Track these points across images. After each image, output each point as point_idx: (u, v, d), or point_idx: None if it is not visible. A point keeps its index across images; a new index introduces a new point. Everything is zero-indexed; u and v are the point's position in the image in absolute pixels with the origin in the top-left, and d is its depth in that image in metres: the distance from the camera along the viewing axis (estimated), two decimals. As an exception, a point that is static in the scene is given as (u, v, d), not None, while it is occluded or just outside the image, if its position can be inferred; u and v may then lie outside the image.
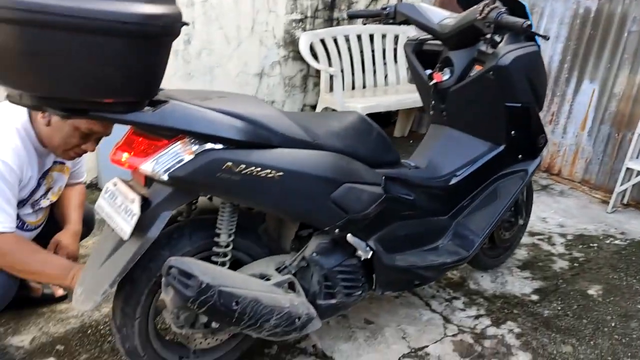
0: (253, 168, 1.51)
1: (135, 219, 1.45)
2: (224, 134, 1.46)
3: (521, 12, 2.07)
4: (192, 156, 1.44)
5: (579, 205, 3.56)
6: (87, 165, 2.24)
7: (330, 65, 4.06)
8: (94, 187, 3.29)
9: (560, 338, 2.21)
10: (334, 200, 1.71)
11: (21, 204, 1.79)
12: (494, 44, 2.00)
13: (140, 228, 1.47)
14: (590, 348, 2.16)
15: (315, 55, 4.02)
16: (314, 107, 4.35)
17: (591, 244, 3.04)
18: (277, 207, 1.66)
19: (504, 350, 2.12)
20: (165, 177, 1.43)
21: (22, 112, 1.73)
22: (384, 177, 1.89)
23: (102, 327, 2.13)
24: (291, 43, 4.10)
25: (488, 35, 1.99)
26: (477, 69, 2.10)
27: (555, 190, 3.79)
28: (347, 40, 4.20)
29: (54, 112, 1.27)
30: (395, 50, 4.45)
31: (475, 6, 1.98)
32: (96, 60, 1.16)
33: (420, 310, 2.36)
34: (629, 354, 2.14)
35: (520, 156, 2.24)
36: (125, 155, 1.49)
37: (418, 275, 2.06)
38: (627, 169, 3.35)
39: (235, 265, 1.73)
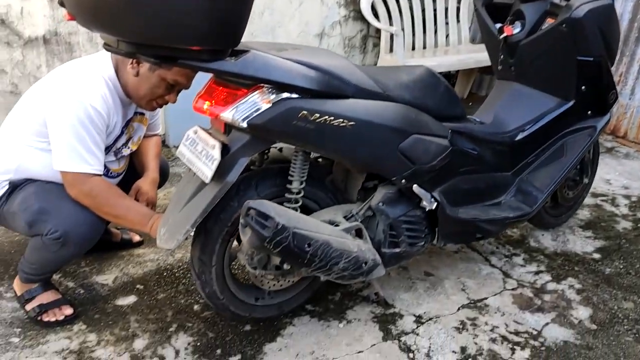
0: (327, 117, 1.56)
1: (216, 163, 1.54)
2: (300, 84, 1.52)
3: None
4: (269, 105, 1.50)
5: (645, 168, 3.47)
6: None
7: (391, 24, 4.03)
8: (162, 144, 3.42)
9: (621, 295, 2.21)
10: (402, 150, 1.75)
11: (105, 151, 1.90)
12: (568, -4, 1.97)
13: (219, 173, 1.55)
14: (653, 306, 2.16)
15: (376, 15, 3.99)
16: (373, 67, 4.34)
17: (657, 207, 2.98)
18: (348, 156, 1.71)
19: (564, 305, 2.14)
20: (244, 125, 1.50)
21: (108, 65, 1.84)
22: (450, 131, 1.92)
23: (176, 270, 2.28)
24: (352, 2, 4.08)
25: (562, -13, 1.97)
26: (549, 22, 2.07)
27: (621, 153, 3.69)
28: (409, -2, 4.14)
29: (146, 59, 1.36)
30: (458, 9, 4.35)
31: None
32: (188, 7, 1.23)
33: (480, 265, 2.40)
34: (694, 314, 2.13)
35: (589, 112, 2.21)
36: (206, 104, 1.57)
37: (480, 228, 2.10)
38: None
39: (304, 212, 1.81)
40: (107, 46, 1.39)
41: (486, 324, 2.03)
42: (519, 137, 2.14)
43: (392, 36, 3.87)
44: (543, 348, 1.91)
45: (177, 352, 1.83)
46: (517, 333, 1.98)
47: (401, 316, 2.05)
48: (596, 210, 2.91)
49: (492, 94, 2.34)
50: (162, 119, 3.37)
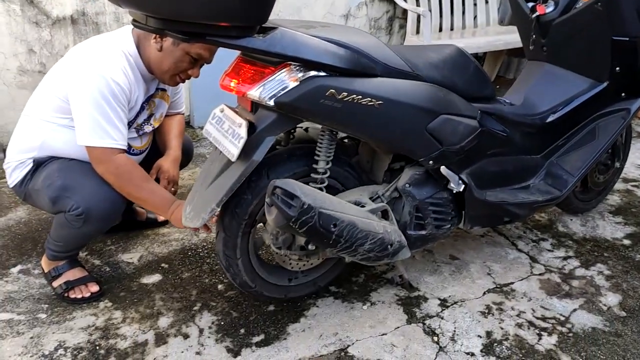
0: (354, 96, 1.54)
1: (242, 142, 1.53)
2: (328, 62, 1.50)
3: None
4: (296, 83, 1.48)
5: (679, 154, 3.38)
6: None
7: (418, 5, 3.97)
8: (186, 125, 3.43)
9: (653, 282, 2.17)
10: (430, 131, 1.72)
11: (128, 126, 1.90)
12: (604, -26, 1.91)
13: (246, 151, 1.55)
14: (685, 294, 2.11)
15: (402, -5, 3.94)
16: (398, 49, 4.28)
17: (691, 193, 2.90)
18: (376, 136, 1.69)
19: (593, 291, 2.10)
20: (271, 103, 1.49)
21: (129, 40, 1.84)
22: (479, 111, 1.88)
23: (200, 250, 2.29)
24: (378, -18, 4.04)
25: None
26: (584, 0, 2.00)
27: (653, 138, 3.61)
28: (437, -22, 4.07)
29: (174, 35, 1.35)
30: (486, -11, 4.28)
31: None
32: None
33: (506, 250, 2.36)
34: None
35: (623, 94, 2.15)
36: (233, 82, 1.56)
37: (508, 211, 2.06)
38: None
39: (329, 193, 1.79)
40: (135, 22, 1.38)
41: (512, 309, 2.00)
42: (550, 119, 2.09)
43: (419, 17, 3.82)
44: (570, 334, 1.88)
45: (201, 331, 1.85)
46: (544, 319, 1.95)
47: (425, 299, 2.04)
48: (627, 195, 2.84)
49: (522, 75, 2.28)
50: (187, 100, 3.40)
